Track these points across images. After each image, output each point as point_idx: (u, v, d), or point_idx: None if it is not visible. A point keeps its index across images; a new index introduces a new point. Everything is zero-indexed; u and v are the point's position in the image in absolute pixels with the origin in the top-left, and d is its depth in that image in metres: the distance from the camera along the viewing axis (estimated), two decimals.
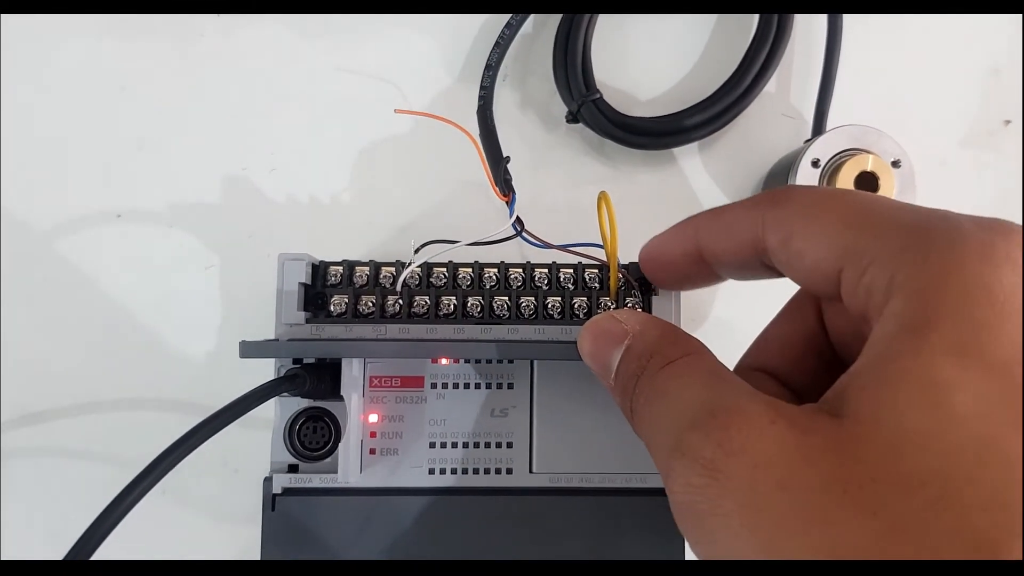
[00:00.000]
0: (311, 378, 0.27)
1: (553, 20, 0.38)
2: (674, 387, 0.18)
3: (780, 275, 0.20)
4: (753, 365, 0.22)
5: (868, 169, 0.33)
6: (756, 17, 0.37)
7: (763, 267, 0.20)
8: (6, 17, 0.38)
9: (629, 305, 0.30)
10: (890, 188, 0.33)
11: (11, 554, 0.36)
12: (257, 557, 0.28)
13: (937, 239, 0.15)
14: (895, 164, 0.33)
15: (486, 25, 0.39)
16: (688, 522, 0.16)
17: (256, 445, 0.31)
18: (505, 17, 0.37)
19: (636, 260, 0.31)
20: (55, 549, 0.36)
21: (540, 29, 0.39)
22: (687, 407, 0.17)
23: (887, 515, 0.13)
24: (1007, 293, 0.14)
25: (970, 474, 0.13)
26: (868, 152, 0.33)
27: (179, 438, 0.22)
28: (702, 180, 0.38)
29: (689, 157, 0.38)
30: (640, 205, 0.38)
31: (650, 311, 0.30)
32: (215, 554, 0.36)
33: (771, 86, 0.37)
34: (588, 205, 0.37)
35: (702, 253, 0.22)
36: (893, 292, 0.16)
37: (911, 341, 0.15)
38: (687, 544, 0.16)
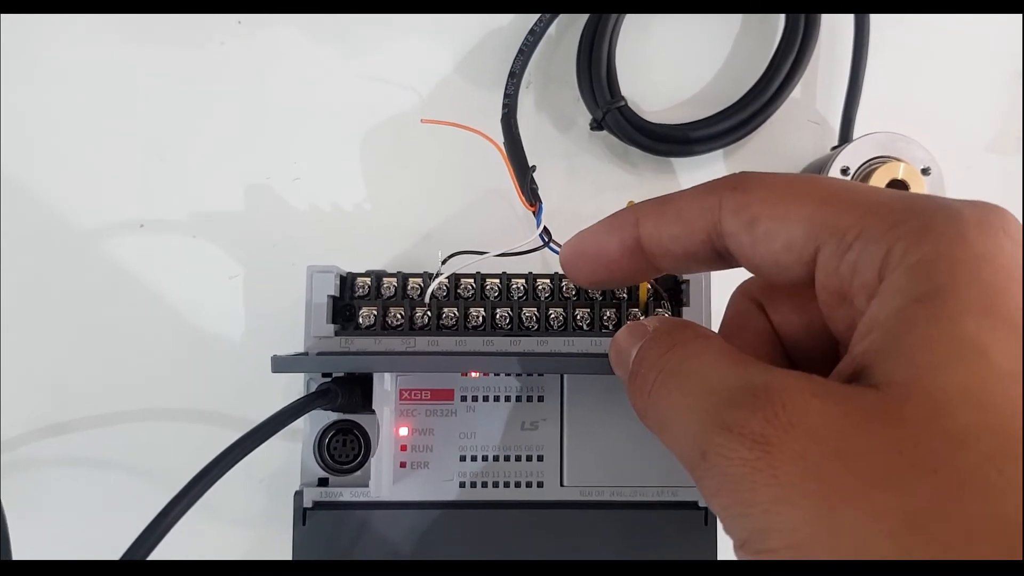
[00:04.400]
0: (342, 392, 0.27)
1: (575, 27, 0.37)
2: (695, 366, 0.18)
3: (729, 265, 0.20)
4: None
5: (899, 177, 0.32)
6: (781, 22, 0.37)
7: (714, 256, 0.20)
8: (28, 23, 0.38)
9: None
10: None
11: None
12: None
13: (933, 215, 0.16)
14: (925, 172, 0.33)
15: (508, 32, 0.38)
16: (738, 494, 0.15)
17: (271, 454, 0.31)
18: (527, 23, 0.37)
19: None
20: (80, 558, 0.36)
21: (563, 35, 0.39)
22: (717, 386, 0.17)
23: (947, 471, 0.13)
24: (1009, 260, 0.15)
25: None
26: (898, 160, 0.33)
27: (222, 452, 0.22)
28: None
29: (713, 164, 0.38)
30: None
31: None
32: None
33: (796, 92, 0.37)
34: (612, 213, 0.37)
35: (642, 243, 0.21)
36: (891, 266, 0.16)
37: (928, 309, 0.15)
38: (720, 524, 0.16)
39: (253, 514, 0.36)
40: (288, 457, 0.36)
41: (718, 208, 0.19)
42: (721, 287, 0.37)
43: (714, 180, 0.20)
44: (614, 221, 0.22)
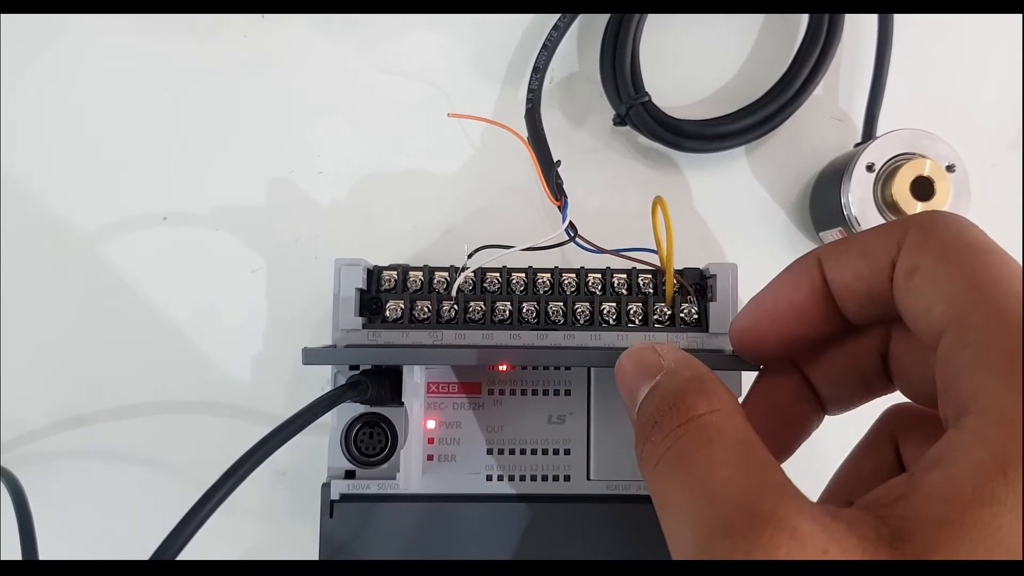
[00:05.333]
0: (371, 384, 0.27)
1: (598, 21, 0.37)
2: (701, 458, 0.16)
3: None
4: (840, 500, 0.20)
5: (924, 174, 0.32)
6: (805, 19, 0.37)
7: (892, 304, 0.18)
8: (51, 19, 0.38)
9: (685, 312, 0.30)
10: (946, 193, 0.32)
11: (58, 556, 0.36)
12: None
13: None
14: (950, 169, 0.33)
15: (530, 27, 0.38)
16: None
17: (291, 447, 0.31)
18: (550, 19, 0.37)
19: (691, 266, 0.32)
20: (102, 552, 0.36)
21: (586, 31, 0.39)
22: (719, 493, 0.15)
23: None
24: None
25: None
26: (924, 157, 0.32)
27: (253, 446, 0.22)
28: (749, 183, 0.38)
29: (736, 160, 0.38)
30: (687, 209, 0.38)
31: (707, 318, 0.30)
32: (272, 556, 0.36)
33: (819, 88, 0.37)
34: (635, 208, 0.37)
35: (830, 285, 0.19)
36: (986, 400, 0.14)
37: (991, 488, 0.13)
38: None
39: (275, 508, 0.36)
40: (309, 450, 0.36)
41: (900, 245, 0.18)
42: (747, 282, 0.37)
43: (906, 216, 0.19)
44: (797, 267, 0.20)
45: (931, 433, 0.19)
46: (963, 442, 0.14)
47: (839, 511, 0.15)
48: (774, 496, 0.15)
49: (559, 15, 0.37)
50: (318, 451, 0.29)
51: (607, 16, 0.37)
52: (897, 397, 0.21)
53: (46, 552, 0.30)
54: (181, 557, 0.20)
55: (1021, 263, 0.16)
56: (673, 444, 0.17)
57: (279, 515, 0.36)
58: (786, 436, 0.22)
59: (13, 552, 0.30)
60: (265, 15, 0.38)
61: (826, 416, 0.22)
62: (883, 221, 0.33)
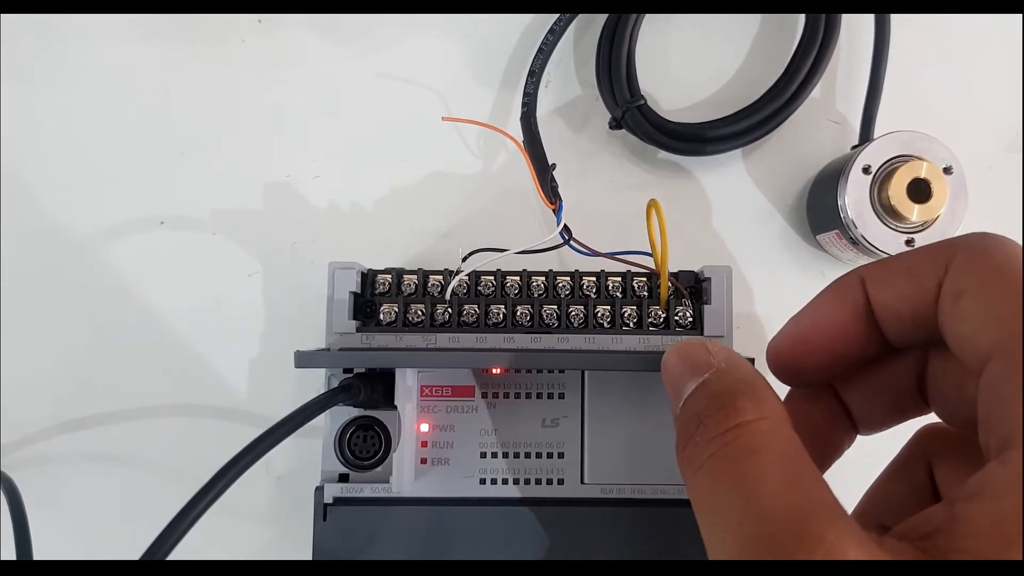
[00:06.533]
0: (364, 387, 0.27)
1: (595, 25, 0.37)
2: (749, 467, 0.16)
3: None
4: (872, 524, 0.20)
5: (921, 176, 0.32)
6: (801, 21, 0.37)
7: (935, 327, 0.18)
8: (51, 21, 0.38)
9: (679, 315, 0.30)
10: (943, 195, 0.32)
11: (55, 558, 0.36)
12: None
13: None
14: (947, 171, 0.33)
15: (526, 31, 0.39)
16: None
17: (285, 449, 0.31)
18: (547, 22, 0.37)
19: (686, 269, 0.31)
20: (98, 553, 0.36)
21: (582, 34, 0.39)
22: (766, 507, 0.15)
23: None
24: None
25: None
26: (921, 159, 0.32)
27: (242, 449, 0.22)
28: (746, 186, 0.38)
29: (732, 163, 0.38)
30: (682, 212, 0.38)
31: (701, 320, 0.30)
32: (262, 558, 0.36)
33: (816, 91, 0.37)
34: (630, 212, 0.37)
35: (873, 305, 0.19)
36: (1020, 438, 0.14)
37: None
38: None
39: (269, 510, 0.36)
40: (302, 453, 0.36)
41: (947, 266, 0.17)
42: (742, 285, 0.37)
43: (952, 238, 0.18)
44: (839, 286, 0.19)
45: (967, 457, 0.19)
46: (1008, 477, 0.14)
47: (883, 540, 0.15)
48: (823, 516, 0.15)
49: (555, 19, 0.37)
50: (316, 454, 0.29)
51: (603, 20, 0.37)
52: (930, 418, 0.21)
53: (42, 554, 0.30)
54: (172, 557, 0.21)
55: None
56: (720, 449, 0.17)
57: (274, 518, 0.36)
58: (817, 456, 0.21)
59: (8, 553, 0.30)
60: (262, 19, 0.38)
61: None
62: (880, 224, 0.33)
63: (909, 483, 0.20)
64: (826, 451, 0.21)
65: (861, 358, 0.20)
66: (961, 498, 0.15)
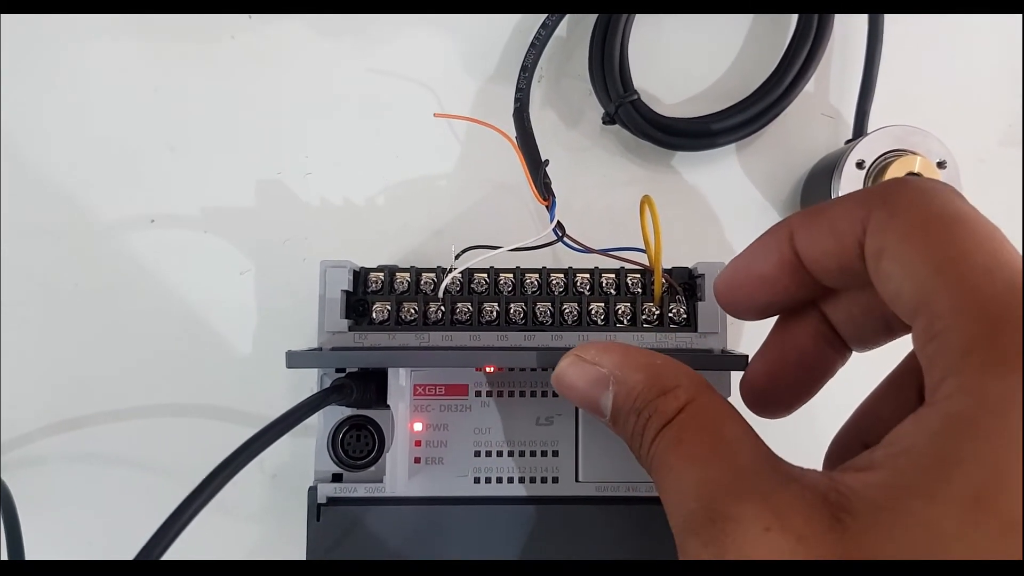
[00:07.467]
0: (357, 387, 0.27)
1: (588, 20, 0.37)
2: (678, 463, 0.17)
3: None
4: (856, 442, 0.21)
5: (915, 171, 0.32)
6: (794, 16, 0.37)
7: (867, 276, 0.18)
8: (39, 19, 0.37)
9: (673, 311, 0.30)
10: None
11: (48, 558, 0.36)
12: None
13: (1005, 358, 0.14)
14: (940, 165, 0.33)
15: (518, 26, 0.38)
16: None
17: (279, 449, 0.31)
18: (538, 18, 0.37)
19: (680, 265, 0.31)
20: (93, 554, 0.36)
21: (574, 29, 0.38)
22: (688, 495, 0.16)
23: None
24: None
25: None
26: (914, 153, 0.32)
27: (235, 450, 0.21)
28: (740, 181, 0.38)
29: (726, 157, 0.38)
30: (677, 208, 0.37)
31: (695, 317, 0.30)
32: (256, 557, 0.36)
33: (810, 85, 0.37)
34: (624, 207, 0.37)
35: (801, 258, 0.19)
36: (943, 393, 0.14)
37: (927, 484, 0.14)
38: None
39: (263, 510, 0.36)
40: (296, 452, 0.36)
41: (865, 223, 0.17)
42: None
43: (872, 188, 0.18)
44: (767, 238, 0.20)
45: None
46: (916, 432, 0.15)
47: (804, 473, 0.16)
48: (730, 489, 0.16)
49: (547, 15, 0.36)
50: (310, 452, 0.29)
51: (596, 15, 0.37)
52: None
53: (35, 554, 0.30)
54: (167, 557, 0.20)
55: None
56: (655, 454, 0.18)
57: (268, 517, 0.36)
58: (808, 377, 0.21)
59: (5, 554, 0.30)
60: (252, 16, 0.38)
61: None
62: None
63: (895, 402, 0.20)
64: (817, 373, 0.21)
65: (805, 299, 0.20)
66: (881, 446, 0.15)
